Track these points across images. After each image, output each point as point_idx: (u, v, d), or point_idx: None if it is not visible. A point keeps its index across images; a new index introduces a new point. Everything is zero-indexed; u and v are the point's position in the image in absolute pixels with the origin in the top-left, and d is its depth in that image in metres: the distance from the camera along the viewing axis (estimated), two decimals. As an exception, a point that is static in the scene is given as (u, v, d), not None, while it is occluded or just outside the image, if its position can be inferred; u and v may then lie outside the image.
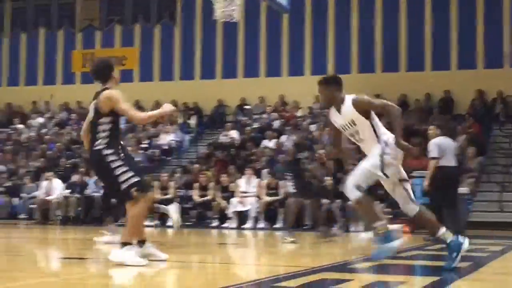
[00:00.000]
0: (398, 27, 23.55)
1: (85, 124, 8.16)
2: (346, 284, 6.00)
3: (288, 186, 14.88)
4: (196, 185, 18.80)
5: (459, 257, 6.89)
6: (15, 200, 20.51)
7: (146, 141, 22.52)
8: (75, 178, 19.97)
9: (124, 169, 7.16)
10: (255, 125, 22.89)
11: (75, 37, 27.26)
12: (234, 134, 22.34)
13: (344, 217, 16.52)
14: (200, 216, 18.58)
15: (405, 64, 23.48)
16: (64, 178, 20.32)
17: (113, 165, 7.16)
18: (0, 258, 8.89)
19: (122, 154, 7.28)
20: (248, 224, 17.63)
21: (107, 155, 7.18)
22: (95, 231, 12.36)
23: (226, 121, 23.87)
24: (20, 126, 25.40)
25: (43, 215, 19.26)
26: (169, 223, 16.06)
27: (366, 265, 7.69)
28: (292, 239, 11.40)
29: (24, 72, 27.98)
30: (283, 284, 6.02)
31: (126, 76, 26.33)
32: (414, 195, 7.26)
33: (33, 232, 15.29)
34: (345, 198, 16.04)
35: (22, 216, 19.99)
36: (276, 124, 22.68)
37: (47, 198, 19.33)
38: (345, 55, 23.96)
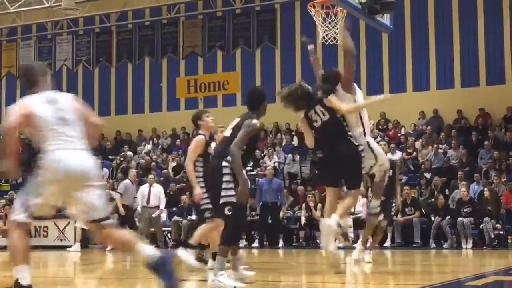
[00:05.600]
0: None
1: None
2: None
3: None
4: (303, 206, 19.01)
5: None
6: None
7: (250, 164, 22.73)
8: (183, 202, 20.31)
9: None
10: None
11: (179, 65, 28.04)
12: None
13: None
14: (307, 237, 18.83)
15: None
16: (172, 204, 20.76)
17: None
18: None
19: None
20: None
21: None
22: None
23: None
24: (130, 153, 25.85)
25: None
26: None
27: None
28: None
29: (131, 100, 28.85)
30: None
31: (229, 100, 26.79)
32: None
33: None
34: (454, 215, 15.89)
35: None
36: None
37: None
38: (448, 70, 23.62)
